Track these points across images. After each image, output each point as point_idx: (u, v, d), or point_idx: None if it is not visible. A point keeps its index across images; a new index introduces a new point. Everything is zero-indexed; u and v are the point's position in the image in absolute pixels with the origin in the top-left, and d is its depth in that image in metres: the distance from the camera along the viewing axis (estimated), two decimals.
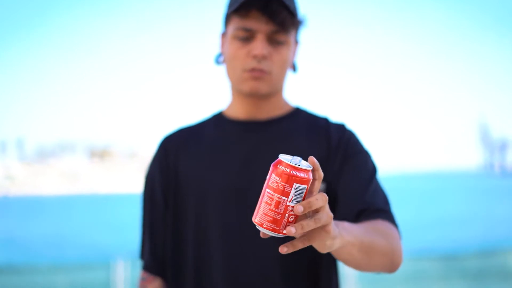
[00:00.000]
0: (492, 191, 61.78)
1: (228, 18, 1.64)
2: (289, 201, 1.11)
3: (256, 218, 1.14)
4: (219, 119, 1.72)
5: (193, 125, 1.76)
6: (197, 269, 1.62)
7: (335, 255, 1.39)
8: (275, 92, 1.66)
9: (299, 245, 1.14)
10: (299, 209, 1.09)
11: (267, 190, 1.13)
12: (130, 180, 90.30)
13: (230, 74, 1.65)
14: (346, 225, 1.33)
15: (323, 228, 1.15)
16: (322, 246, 1.20)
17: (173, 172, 1.69)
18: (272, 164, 1.14)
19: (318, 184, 1.15)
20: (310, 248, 1.58)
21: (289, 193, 1.11)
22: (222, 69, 1.72)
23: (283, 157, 1.13)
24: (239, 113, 1.69)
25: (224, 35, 1.68)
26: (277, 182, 1.11)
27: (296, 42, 1.68)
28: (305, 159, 1.17)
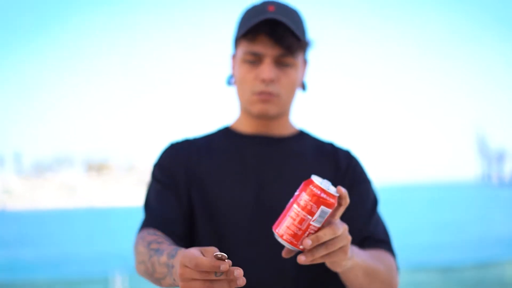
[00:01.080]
0: (490, 202, 61.72)
1: (237, 41, 1.68)
2: (313, 221, 1.19)
3: (278, 229, 1.21)
4: (227, 133, 1.74)
5: (200, 137, 1.76)
6: None
7: (342, 275, 1.47)
8: (284, 113, 1.70)
9: (317, 260, 1.24)
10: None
11: (295, 205, 1.19)
12: (128, 194, 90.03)
13: (240, 95, 1.69)
14: (355, 248, 1.42)
15: (341, 248, 1.26)
16: (338, 264, 1.30)
17: (184, 174, 1.67)
18: (303, 182, 1.21)
19: (342, 210, 1.24)
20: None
21: (315, 213, 1.18)
22: (223, 83, 1.77)
23: (315, 178, 1.20)
24: (248, 128, 1.72)
25: (234, 57, 1.72)
26: (305, 201, 1.18)
27: (305, 61, 1.71)
28: None
